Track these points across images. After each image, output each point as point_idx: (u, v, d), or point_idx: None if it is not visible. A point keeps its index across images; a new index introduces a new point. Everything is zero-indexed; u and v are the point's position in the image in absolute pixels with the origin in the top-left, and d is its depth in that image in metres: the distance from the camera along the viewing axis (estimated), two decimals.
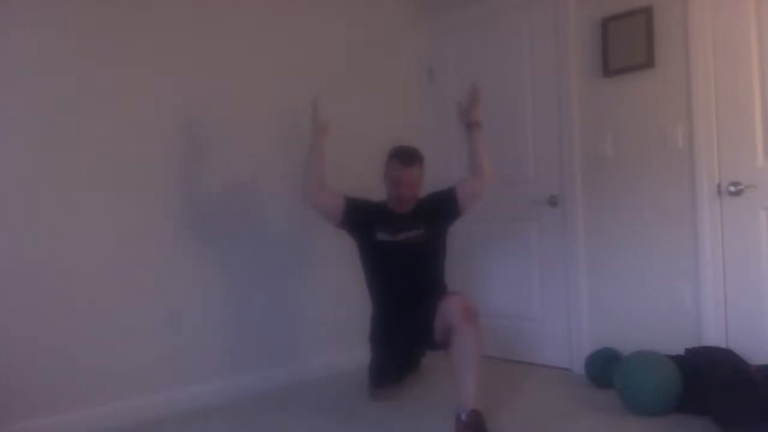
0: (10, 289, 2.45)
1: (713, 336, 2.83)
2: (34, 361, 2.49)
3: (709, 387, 2.47)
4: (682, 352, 2.75)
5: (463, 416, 2.32)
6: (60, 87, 2.60)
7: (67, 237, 2.60)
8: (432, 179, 3.55)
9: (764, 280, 2.72)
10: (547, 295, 3.50)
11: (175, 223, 2.92)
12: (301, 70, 3.43)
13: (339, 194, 2.87)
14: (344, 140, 3.50)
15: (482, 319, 3.67)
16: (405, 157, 2.80)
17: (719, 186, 2.83)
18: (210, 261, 3.04)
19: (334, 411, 2.83)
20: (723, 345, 2.79)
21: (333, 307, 3.48)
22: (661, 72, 3.01)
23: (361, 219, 2.85)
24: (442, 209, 2.89)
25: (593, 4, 3.24)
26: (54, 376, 2.53)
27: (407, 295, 2.82)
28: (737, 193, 2.78)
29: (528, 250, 3.58)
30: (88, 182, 2.67)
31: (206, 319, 3.01)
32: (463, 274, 3.79)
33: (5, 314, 2.43)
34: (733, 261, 2.81)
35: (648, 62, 3.02)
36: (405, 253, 2.81)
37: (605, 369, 2.97)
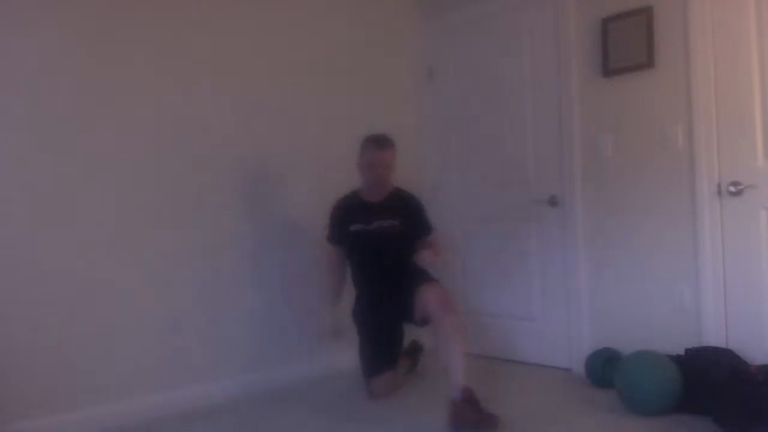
0: (10, 290, 2.45)
1: (713, 336, 2.83)
2: (34, 361, 2.49)
3: (709, 387, 2.47)
4: (682, 352, 2.75)
5: (456, 396, 2.50)
6: (60, 87, 2.60)
7: (67, 237, 2.60)
8: (432, 179, 3.56)
9: (764, 280, 2.72)
10: (547, 295, 3.50)
11: (175, 223, 2.92)
12: (301, 70, 3.42)
13: (338, 249, 3.09)
14: (344, 140, 3.50)
15: (482, 318, 3.72)
16: (379, 140, 2.95)
17: (719, 186, 2.83)
18: (210, 261, 3.03)
19: (334, 411, 2.83)
20: (723, 345, 2.79)
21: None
22: (661, 72, 3.00)
23: (343, 224, 3.02)
24: (414, 222, 3.02)
25: (593, 4, 3.23)
26: (54, 376, 2.53)
27: (384, 276, 2.97)
28: (737, 193, 2.78)
29: (528, 250, 3.57)
30: (88, 182, 2.67)
31: (206, 319, 3.00)
32: (463, 274, 3.79)
33: (5, 314, 2.43)
34: (733, 261, 2.81)
35: (648, 62, 3.02)
36: (379, 240, 2.96)
37: (605, 369, 2.97)
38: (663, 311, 3.01)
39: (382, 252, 2.96)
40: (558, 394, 3.00)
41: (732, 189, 2.78)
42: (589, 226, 3.29)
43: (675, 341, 2.84)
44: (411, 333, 3.24)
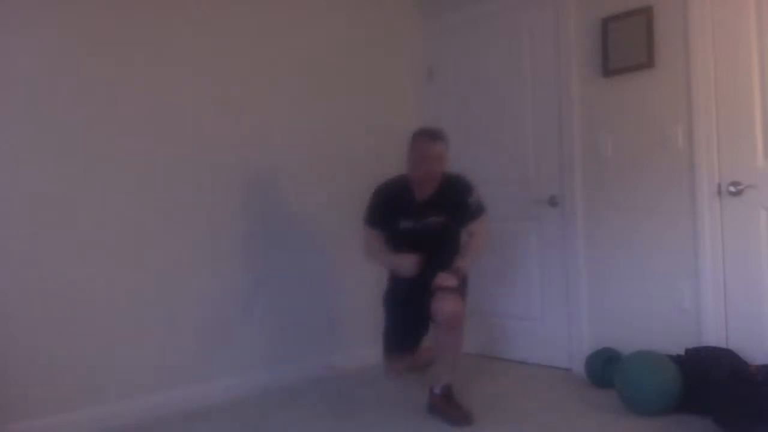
0: (10, 290, 2.45)
1: (713, 336, 2.83)
2: (34, 361, 2.49)
3: (709, 387, 2.47)
4: (682, 352, 2.76)
5: (437, 390, 2.69)
6: (60, 87, 2.60)
7: (67, 237, 2.60)
8: None
9: (764, 280, 2.72)
10: (547, 295, 3.50)
11: (176, 223, 2.92)
12: (301, 70, 3.42)
13: (378, 232, 2.90)
14: (344, 140, 3.51)
15: (482, 318, 3.72)
16: (431, 133, 2.85)
17: (719, 186, 2.83)
18: (210, 261, 3.03)
19: (335, 410, 2.83)
20: (723, 345, 2.79)
21: (334, 306, 3.48)
22: (661, 72, 3.00)
23: (388, 215, 2.86)
24: (458, 209, 2.85)
25: (593, 4, 3.23)
26: (54, 376, 2.53)
27: (425, 272, 2.79)
28: (737, 193, 2.78)
29: (528, 250, 3.57)
30: (88, 182, 2.67)
31: (206, 319, 3.00)
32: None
33: (5, 314, 2.43)
34: (733, 261, 2.81)
35: (648, 62, 3.02)
36: (426, 237, 2.83)
37: (605, 369, 2.97)
38: (663, 311, 3.01)
39: (426, 248, 2.83)
40: (558, 394, 3.00)
41: (732, 189, 2.78)
42: (589, 226, 3.29)
43: (675, 341, 2.84)
44: None
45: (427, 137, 2.82)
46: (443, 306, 2.63)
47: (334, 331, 3.48)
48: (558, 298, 3.44)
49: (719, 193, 2.83)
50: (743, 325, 2.77)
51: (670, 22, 2.97)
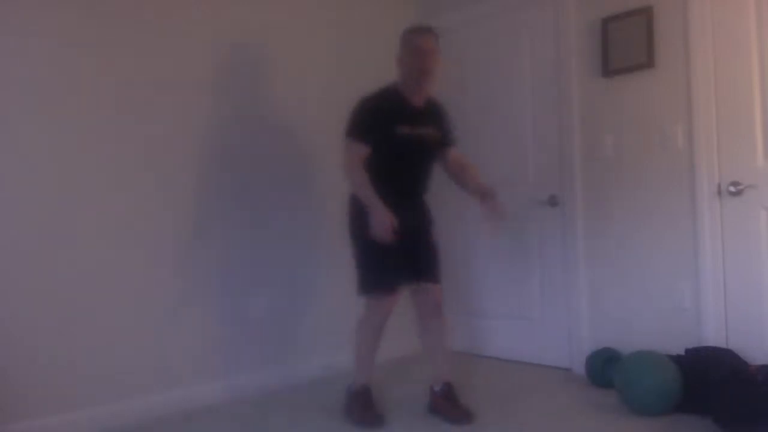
0: (10, 289, 2.45)
1: (713, 336, 2.83)
2: (34, 361, 2.49)
3: (709, 387, 2.47)
4: (682, 352, 2.76)
5: (437, 388, 2.70)
6: (59, 87, 2.60)
7: (67, 237, 2.60)
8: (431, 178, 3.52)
9: (764, 280, 2.72)
10: (547, 295, 3.50)
11: (175, 223, 2.92)
12: (301, 70, 3.42)
13: (365, 150, 2.62)
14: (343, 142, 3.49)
15: (482, 318, 3.72)
16: (422, 26, 2.73)
17: (719, 186, 2.83)
18: (210, 261, 3.03)
19: (334, 411, 2.83)
20: (723, 345, 2.79)
21: (333, 306, 3.48)
22: (661, 72, 3.01)
23: (381, 122, 2.63)
24: (441, 128, 2.80)
25: (593, 4, 3.24)
26: (54, 376, 2.53)
27: (405, 188, 2.70)
28: (737, 193, 2.78)
29: (528, 250, 3.58)
30: (88, 182, 2.67)
31: (206, 319, 3.01)
32: (463, 274, 3.79)
33: (5, 314, 2.43)
34: (733, 261, 2.81)
35: (648, 62, 3.02)
36: (420, 148, 2.70)
37: (605, 369, 2.97)
38: (663, 311, 3.01)
39: (418, 161, 2.71)
40: (558, 394, 3.00)
41: (732, 189, 2.78)
42: (589, 226, 3.30)
43: (675, 341, 2.85)
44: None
45: (419, 30, 2.68)
46: (432, 295, 2.69)
47: (333, 331, 3.48)
48: (558, 298, 3.44)
49: (719, 193, 2.83)
50: (743, 325, 2.77)
51: (670, 22, 2.97)
